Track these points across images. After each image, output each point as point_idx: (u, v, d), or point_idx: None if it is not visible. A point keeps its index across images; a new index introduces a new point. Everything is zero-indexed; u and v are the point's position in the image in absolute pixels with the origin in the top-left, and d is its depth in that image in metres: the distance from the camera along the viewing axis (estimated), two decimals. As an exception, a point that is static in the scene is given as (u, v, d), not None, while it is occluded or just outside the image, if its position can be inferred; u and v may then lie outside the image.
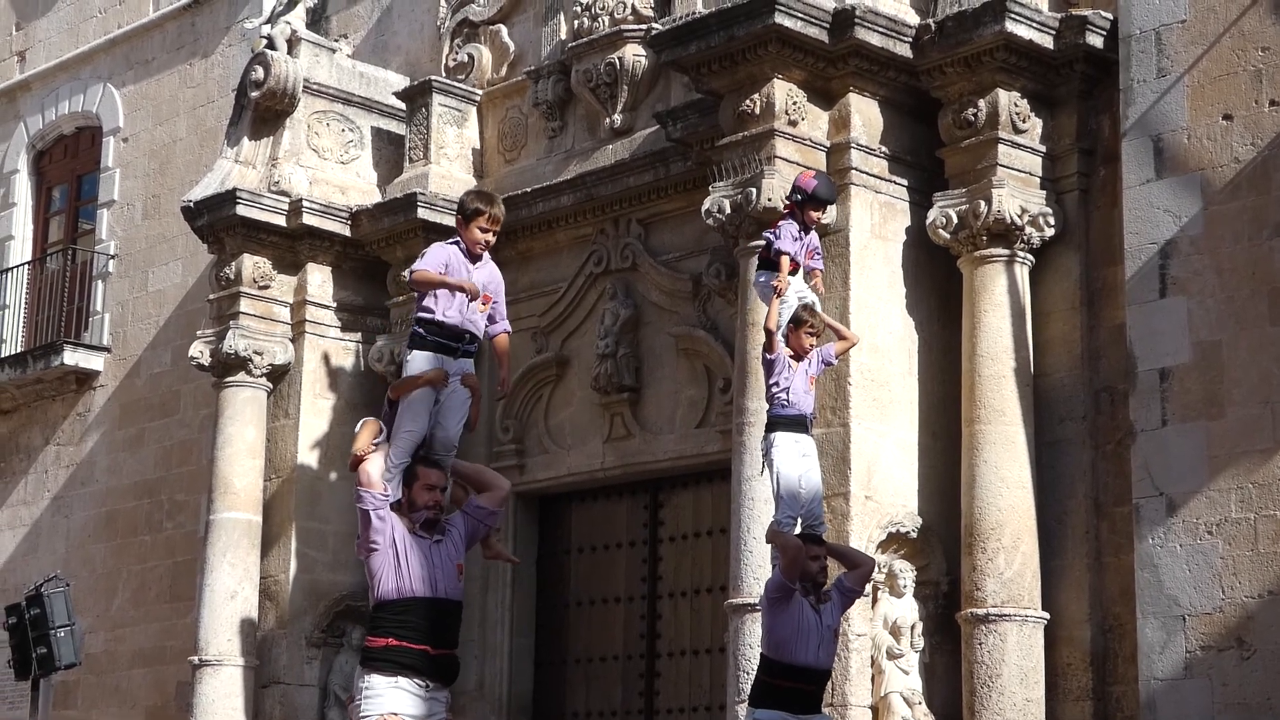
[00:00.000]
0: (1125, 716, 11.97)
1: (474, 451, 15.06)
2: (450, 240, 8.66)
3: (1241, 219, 11.43)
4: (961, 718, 12.06)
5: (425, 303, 8.48)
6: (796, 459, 9.35)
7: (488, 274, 8.64)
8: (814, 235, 9.80)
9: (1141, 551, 11.48)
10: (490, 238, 8.63)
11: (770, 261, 9.71)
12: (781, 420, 9.42)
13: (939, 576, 12.67)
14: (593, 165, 15.45)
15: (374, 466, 8.19)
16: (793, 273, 9.71)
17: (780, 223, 9.74)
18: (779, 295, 9.56)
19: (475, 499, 8.53)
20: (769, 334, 9.48)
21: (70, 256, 21.05)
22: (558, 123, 16.03)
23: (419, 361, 8.36)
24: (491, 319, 8.63)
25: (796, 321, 9.43)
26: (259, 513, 16.14)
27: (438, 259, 8.48)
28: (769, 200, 12.35)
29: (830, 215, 12.48)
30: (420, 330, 8.46)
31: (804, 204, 9.78)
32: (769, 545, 9.80)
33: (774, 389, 9.42)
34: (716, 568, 14.36)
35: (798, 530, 9.38)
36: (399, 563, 8.06)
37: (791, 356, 9.42)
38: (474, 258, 8.55)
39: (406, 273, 8.50)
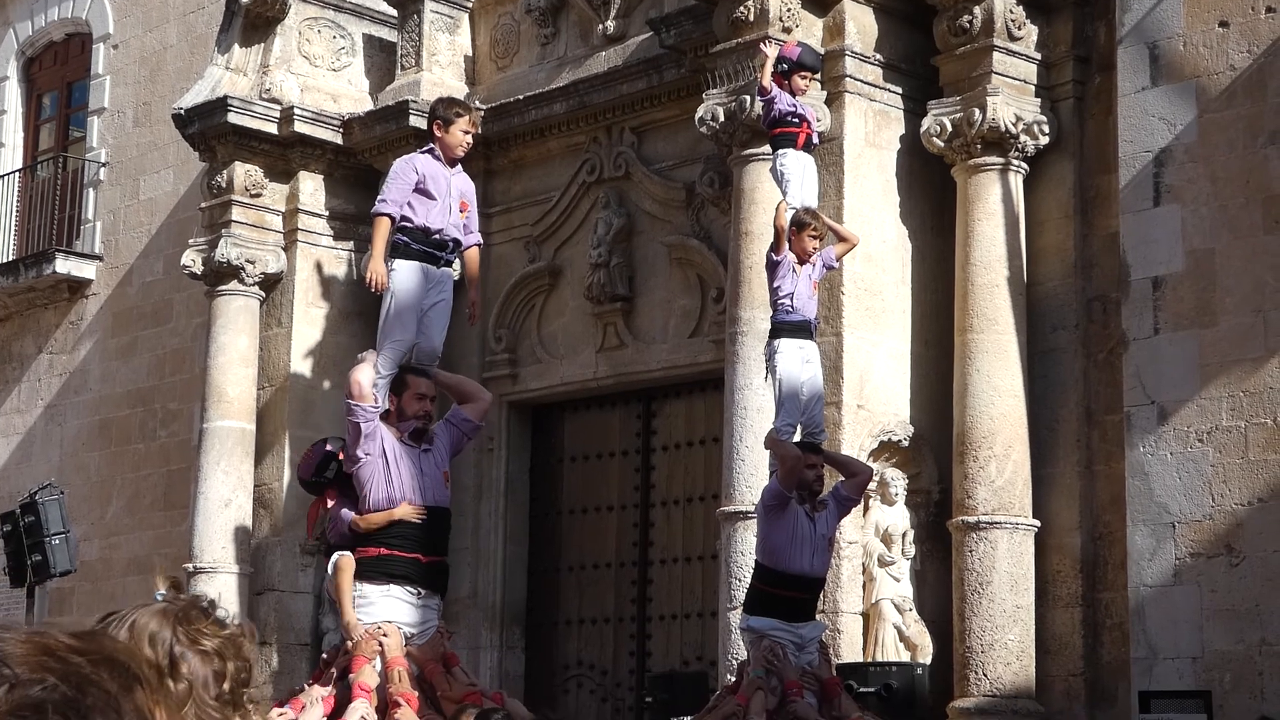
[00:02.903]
0: (1114, 623, 12.05)
1: (467, 361, 15.06)
2: (423, 150, 8.64)
3: (1236, 127, 11.37)
4: (952, 624, 12.14)
5: (405, 211, 8.47)
6: (800, 365, 9.37)
7: (463, 181, 8.63)
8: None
9: (1132, 459, 11.51)
10: (470, 139, 8.63)
11: (780, 138, 9.71)
12: (786, 326, 9.43)
13: (930, 484, 12.71)
14: (585, 72, 15.33)
15: (364, 376, 8.19)
16: (804, 147, 9.72)
17: (771, 92, 9.75)
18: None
19: (459, 409, 8.54)
20: (778, 232, 9.45)
21: (61, 164, 20.93)
22: (550, 29, 15.89)
23: (403, 271, 8.34)
24: (466, 228, 8.62)
25: (799, 225, 9.40)
26: (252, 421, 16.13)
27: (404, 181, 8.47)
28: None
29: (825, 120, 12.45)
30: (404, 239, 8.44)
31: (790, 73, 9.78)
32: (767, 451, 9.83)
33: (779, 294, 9.41)
34: (709, 476, 14.39)
35: (797, 437, 9.41)
36: (389, 472, 8.08)
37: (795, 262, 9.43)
38: (452, 162, 8.53)
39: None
